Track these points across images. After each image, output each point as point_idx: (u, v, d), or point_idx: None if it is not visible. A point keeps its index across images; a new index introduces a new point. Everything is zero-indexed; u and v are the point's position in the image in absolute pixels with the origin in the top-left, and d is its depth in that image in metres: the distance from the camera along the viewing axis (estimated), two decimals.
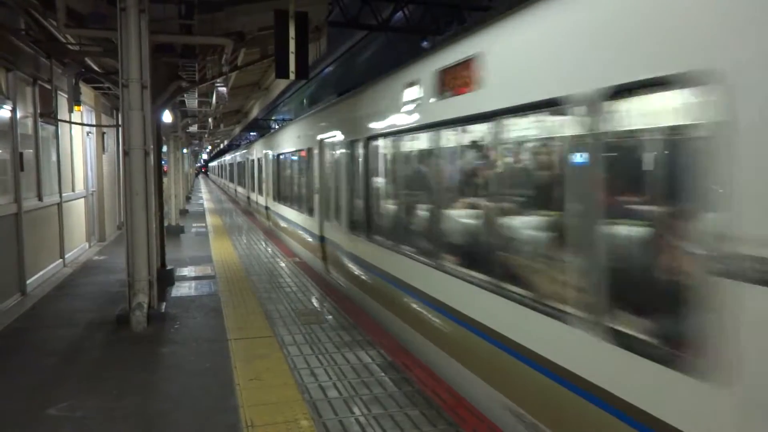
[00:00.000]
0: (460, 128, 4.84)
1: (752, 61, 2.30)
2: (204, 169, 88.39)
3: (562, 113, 3.39)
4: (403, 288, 5.87)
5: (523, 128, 4.06)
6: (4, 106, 7.43)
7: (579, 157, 3.30)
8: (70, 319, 6.78)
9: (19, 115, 7.82)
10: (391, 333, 6.07)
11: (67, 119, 10.01)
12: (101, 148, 13.20)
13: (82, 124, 11.40)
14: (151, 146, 6.53)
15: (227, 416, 4.14)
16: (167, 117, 11.53)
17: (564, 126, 3.43)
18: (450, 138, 5.03)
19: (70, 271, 9.74)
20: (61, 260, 9.86)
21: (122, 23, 6.13)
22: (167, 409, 4.34)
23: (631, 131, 3.13)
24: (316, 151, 9.88)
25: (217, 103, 14.28)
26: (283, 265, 10.30)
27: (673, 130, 2.87)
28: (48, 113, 9.05)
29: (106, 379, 4.91)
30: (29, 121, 8.50)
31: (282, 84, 15.38)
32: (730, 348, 2.37)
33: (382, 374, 4.91)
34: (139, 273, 6.38)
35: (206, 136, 29.64)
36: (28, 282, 8.02)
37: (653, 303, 2.98)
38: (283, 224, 13.84)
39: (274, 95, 18.27)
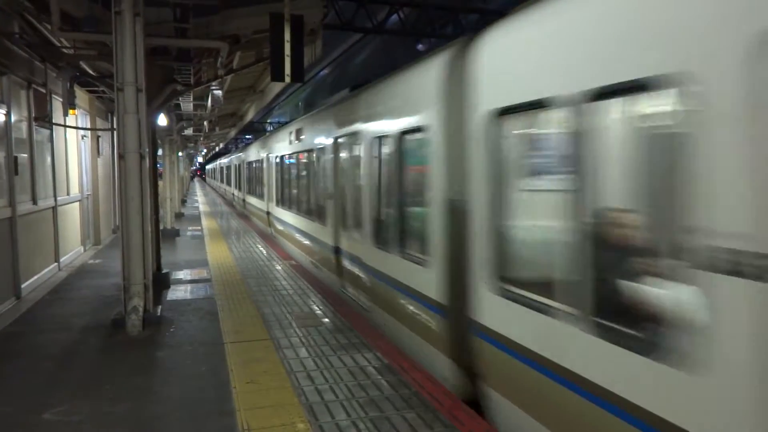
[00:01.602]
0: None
1: None
2: (199, 172, 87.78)
3: None
4: (289, 225, 12.64)
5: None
6: None
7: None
8: (65, 323, 6.76)
9: (13, 119, 7.80)
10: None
11: (62, 123, 9.98)
12: (96, 151, 13.18)
13: (77, 128, 11.38)
14: (147, 150, 6.53)
15: (223, 420, 4.13)
16: (162, 120, 11.55)
17: None
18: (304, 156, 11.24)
19: (65, 275, 9.70)
20: (56, 264, 9.83)
21: (117, 27, 6.12)
22: (163, 412, 4.33)
23: None
24: (265, 158, 16.52)
25: (212, 106, 14.27)
26: (279, 267, 10.29)
27: None
28: (43, 117, 9.03)
29: (102, 383, 4.89)
30: (24, 125, 8.48)
31: (277, 87, 15.37)
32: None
33: (379, 377, 4.91)
34: (134, 276, 6.37)
35: (201, 139, 29.62)
36: (22, 286, 7.99)
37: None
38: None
39: (270, 98, 18.26)
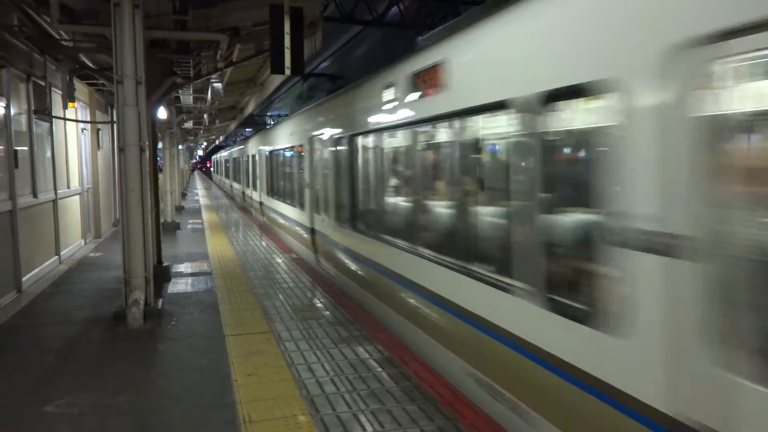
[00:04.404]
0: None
1: None
2: (199, 165, 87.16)
3: None
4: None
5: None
6: None
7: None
8: (66, 316, 6.77)
9: (13, 111, 7.78)
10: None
11: (62, 116, 9.96)
12: (96, 144, 13.16)
13: (76, 121, 11.36)
14: (147, 142, 6.51)
15: (225, 412, 4.14)
16: (162, 113, 11.52)
17: None
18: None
19: (65, 268, 9.71)
20: (56, 257, 9.83)
21: (116, 19, 6.10)
22: (164, 405, 4.34)
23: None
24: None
25: (212, 99, 14.24)
26: (279, 260, 10.29)
27: None
28: (42, 110, 9.01)
29: (103, 375, 4.90)
30: (23, 118, 8.46)
31: (277, 80, 15.35)
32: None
33: (380, 369, 4.92)
34: (135, 270, 6.37)
35: (201, 132, 29.58)
36: (23, 279, 8.00)
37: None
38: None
39: (270, 91, 18.23)
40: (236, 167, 29.11)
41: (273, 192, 15.01)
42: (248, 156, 21.90)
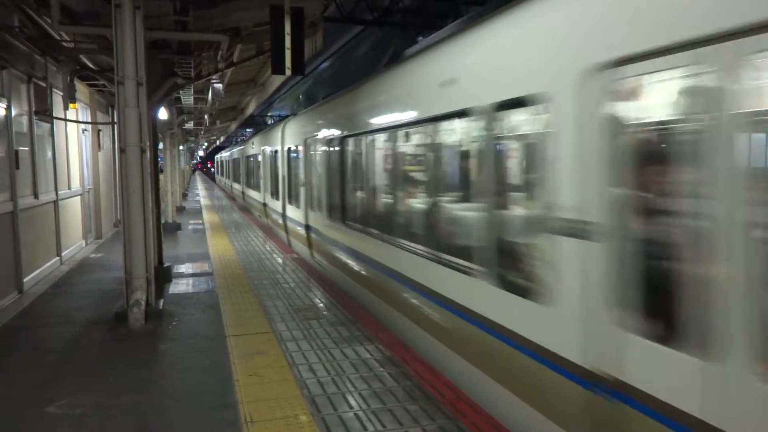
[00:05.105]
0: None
1: None
2: (200, 166, 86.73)
3: None
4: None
5: None
6: None
7: None
8: (67, 316, 6.77)
9: (14, 112, 7.79)
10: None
11: (63, 117, 9.97)
12: (97, 145, 13.17)
13: (77, 122, 11.36)
14: (148, 143, 6.52)
15: (226, 412, 4.14)
16: (163, 114, 11.53)
17: None
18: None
19: (67, 268, 9.72)
20: (57, 258, 9.84)
21: (117, 20, 6.10)
22: (166, 405, 4.34)
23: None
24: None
25: (213, 99, 14.25)
26: (280, 261, 10.30)
27: None
28: (43, 111, 9.02)
29: (105, 376, 4.91)
30: (24, 119, 8.47)
31: (278, 80, 15.35)
32: None
33: (381, 369, 4.92)
34: (136, 270, 6.38)
35: (202, 132, 29.61)
36: (25, 280, 8.00)
37: None
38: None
39: (270, 91, 18.24)
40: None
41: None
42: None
